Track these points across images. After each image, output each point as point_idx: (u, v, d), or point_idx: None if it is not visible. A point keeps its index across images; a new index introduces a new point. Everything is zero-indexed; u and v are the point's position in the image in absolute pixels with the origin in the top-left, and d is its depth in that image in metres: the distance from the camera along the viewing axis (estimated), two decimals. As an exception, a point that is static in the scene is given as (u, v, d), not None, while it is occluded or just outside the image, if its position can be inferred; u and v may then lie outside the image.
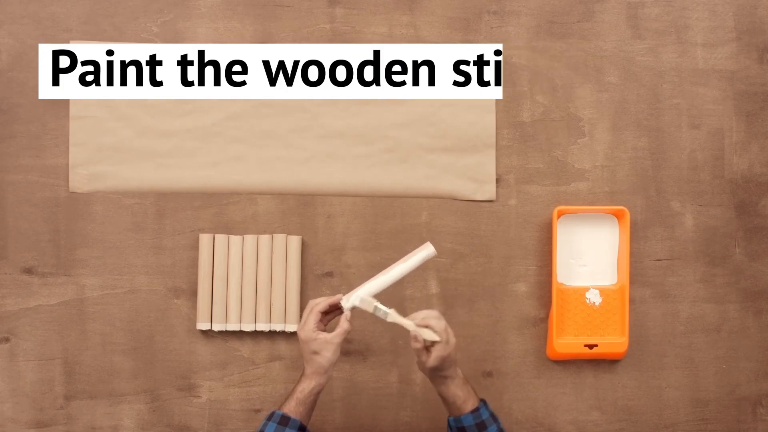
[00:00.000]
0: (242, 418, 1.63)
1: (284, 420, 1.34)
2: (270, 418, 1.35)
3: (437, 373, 1.36)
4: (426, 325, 1.35)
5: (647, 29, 1.68)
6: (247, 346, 1.64)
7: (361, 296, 1.38)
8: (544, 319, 1.66)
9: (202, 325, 1.61)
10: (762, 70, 1.70)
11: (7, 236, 1.61)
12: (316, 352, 1.35)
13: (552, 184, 1.67)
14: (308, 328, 1.36)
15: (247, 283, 1.62)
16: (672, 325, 1.68)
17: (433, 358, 1.34)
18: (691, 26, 1.69)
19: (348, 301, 1.39)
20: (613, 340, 1.64)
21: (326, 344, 1.35)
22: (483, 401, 1.39)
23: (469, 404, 1.37)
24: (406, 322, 1.36)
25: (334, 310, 1.40)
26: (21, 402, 1.61)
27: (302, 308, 1.62)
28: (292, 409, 1.35)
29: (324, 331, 1.38)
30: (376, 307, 1.38)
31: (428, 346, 1.35)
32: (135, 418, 1.62)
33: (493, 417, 1.39)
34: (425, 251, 1.42)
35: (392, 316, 1.37)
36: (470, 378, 1.61)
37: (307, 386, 1.36)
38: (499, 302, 1.65)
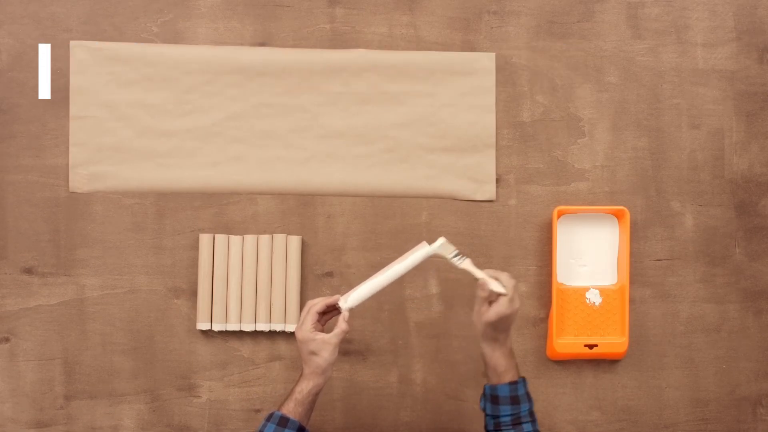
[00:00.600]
0: (242, 418, 1.63)
1: (283, 421, 1.34)
2: (269, 419, 1.35)
3: (490, 333, 1.35)
4: (496, 278, 1.35)
5: (647, 29, 1.68)
6: (247, 346, 1.64)
7: (441, 242, 1.40)
8: (544, 319, 1.66)
9: (202, 325, 1.61)
10: (762, 70, 1.70)
11: (7, 236, 1.61)
12: (314, 353, 1.35)
13: (552, 184, 1.67)
14: (306, 328, 1.36)
15: (247, 283, 1.62)
16: (672, 325, 1.68)
17: (492, 312, 1.33)
18: (691, 26, 1.69)
19: (346, 301, 1.39)
20: (613, 340, 1.64)
21: (324, 344, 1.35)
22: (523, 378, 1.38)
23: (509, 375, 1.36)
24: (478, 272, 1.37)
25: (332, 310, 1.40)
26: (21, 402, 1.61)
27: (302, 308, 1.62)
28: (290, 409, 1.35)
29: (322, 331, 1.38)
30: (454, 254, 1.40)
31: (492, 300, 1.34)
32: (135, 418, 1.62)
33: (528, 396, 1.37)
34: (424, 249, 1.42)
35: (467, 264, 1.39)
36: (471, 378, 1.62)
37: (305, 387, 1.36)
38: (499, 302, 1.65)
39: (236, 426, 1.63)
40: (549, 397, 1.66)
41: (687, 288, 1.68)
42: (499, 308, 1.33)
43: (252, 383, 1.64)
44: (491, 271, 1.37)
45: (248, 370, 1.64)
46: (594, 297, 1.65)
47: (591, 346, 1.63)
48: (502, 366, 1.36)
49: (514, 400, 1.35)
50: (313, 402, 1.36)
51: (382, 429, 1.65)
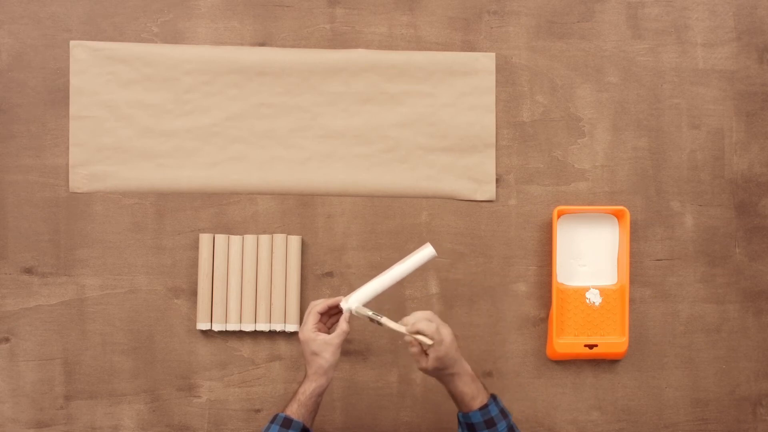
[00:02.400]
0: (242, 418, 1.63)
1: (287, 422, 1.34)
2: (273, 420, 1.35)
3: (441, 372, 1.36)
4: (416, 330, 1.34)
5: (647, 29, 1.68)
6: (247, 346, 1.64)
7: (354, 307, 1.39)
8: (544, 319, 1.66)
9: (202, 325, 1.61)
10: (762, 70, 1.70)
11: (7, 236, 1.61)
12: (315, 353, 1.35)
13: (552, 184, 1.67)
14: (307, 328, 1.36)
15: (247, 283, 1.62)
16: (672, 325, 1.68)
17: (431, 360, 1.34)
18: (691, 26, 1.69)
19: (347, 302, 1.39)
20: (613, 340, 1.64)
21: (326, 345, 1.35)
22: (493, 397, 1.39)
23: (478, 400, 1.36)
24: (400, 328, 1.36)
25: (336, 312, 1.40)
26: (21, 402, 1.61)
27: (302, 308, 1.62)
28: (294, 411, 1.35)
29: (325, 332, 1.38)
30: (369, 317, 1.39)
31: (425, 349, 1.35)
32: (135, 418, 1.62)
33: (503, 413, 1.38)
34: (425, 252, 1.43)
35: (386, 322, 1.37)
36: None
37: (308, 388, 1.36)
38: (499, 302, 1.65)
39: (236, 426, 1.63)
40: (549, 397, 1.66)
41: (687, 288, 1.68)
42: (434, 354, 1.34)
43: (252, 383, 1.64)
44: (411, 320, 1.35)
45: (248, 370, 1.64)
46: (594, 297, 1.65)
47: (591, 346, 1.63)
48: (468, 395, 1.36)
49: (489, 424, 1.36)
50: (316, 403, 1.37)
51: (382, 429, 1.65)
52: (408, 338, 1.35)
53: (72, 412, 1.62)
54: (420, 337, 1.33)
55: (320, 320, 1.39)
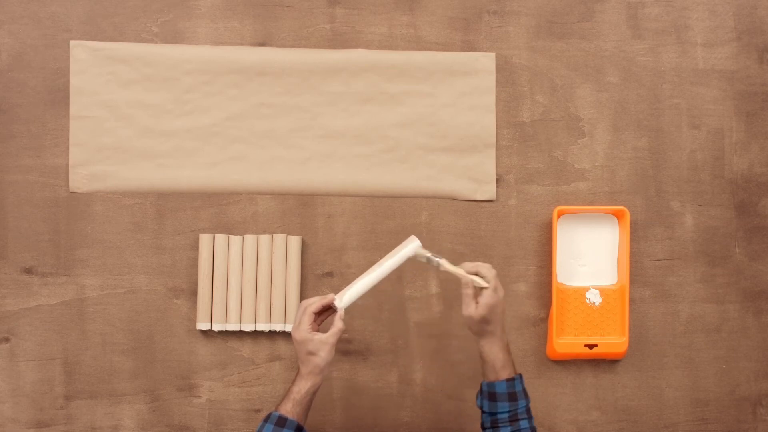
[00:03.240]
0: (242, 418, 1.63)
1: (281, 421, 1.34)
2: (267, 419, 1.35)
3: (484, 326, 1.37)
4: (476, 272, 1.37)
5: (647, 29, 1.68)
6: (247, 346, 1.64)
7: (415, 249, 1.41)
8: (544, 319, 1.66)
9: (202, 325, 1.61)
10: (762, 70, 1.70)
11: (7, 236, 1.61)
12: (311, 353, 1.35)
13: (552, 184, 1.67)
14: (303, 328, 1.36)
15: (247, 283, 1.62)
16: (672, 325, 1.68)
17: (481, 306, 1.36)
18: (691, 26, 1.69)
19: (341, 300, 1.38)
20: (613, 340, 1.64)
21: (322, 344, 1.35)
22: (520, 375, 1.39)
23: (506, 372, 1.37)
24: (458, 270, 1.38)
25: (327, 310, 1.40)
26: (21, 402, 1.61)
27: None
28: (288, 410, 1.35)
29: (318, 331, 1.38)
30: (428, 258, 1.41)
31: (477, 296, 1.36)
32: (135, 418, 1.62)
33: (525, 393, 1.39)
34: (411, 245, 1.41)
35: (444, 264, 1.40)
36: (471, 378, 1.61)
37: (303, 387, 1.36)
38: (499, 302, 1.65)
39: (236, 426, 1.63)
40: (549, 397, 1.66)
41: (687, 288, 1.68)
42: (487, 300, 1.36)
43: (252, 383, 1.64)
44: (470, 265, 1.39)
45: (248, 370, 1.64)
46: (594, 297, 1.65)
47: (591, 346, 1.63)
48: (500, 361, 1.37)
49: (512, 397, 1.36)
50: (310, 401, 1.37)
51: (382, 429, 1.65)
52: (465, 279, 1.37)
53: (72, 412, 1.62)
54: (477, 278, 1.36)
55: (314, 320, 1.38)
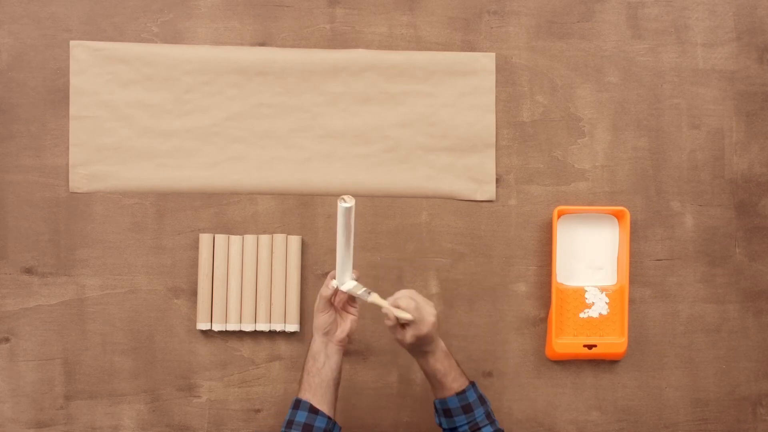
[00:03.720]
0: (242, 418, 1.63)
1: (296, 404, 1.36)
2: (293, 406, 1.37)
3: (416, 350, 1.37)
4: (396, 305, 1.34)
5: (647, 29, 1.68)
6: (247, 346, 1.64)
7: (347, 287, 1.38)
8: (544, 319, 1.66)
9: (202, 325, 1.61)
10: (762, 70, 1.70)
11: (7, 236, 1.61)
12: (315, 311, 1.40)
13: (552, 184, 1.67)
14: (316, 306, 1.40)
15: (247, 283, 1.62)
16: (672, 325, 1.68)
17: (409, 336, 1.34)
18: (691, 26, 1.69)
19: (343, 284, 1.38)
20: (613, 341, 1.64)
21: (319, 298, 1.39)
22: (472, 384, 1.39)
23: (456, 383, 1.37)
24: (382, 302, 1.36)
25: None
26: (21, 402, 1.61)
27: (302, 308, 1.62)
28: (305, 386, 1.37)
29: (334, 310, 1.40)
30: (359, 296, 1.38)
31: (403, 324, 1.34)
32: (135, 418, 1.62)
33: (482, 399, 1.39)
34: (342, 208, 1.36)
35: (372, 297, 1.37)
36: (471, 377, 1.61)
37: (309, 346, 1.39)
38: (499, 302, 1.65)
39: (236, 426, 1.63)
40: (549, 397, 1.66)
41: (687, 288, 1.68)
42: (413, 332, 1.34)
43: (252, 383, 1.64)
44: (395, 296, 1.35)
45: (248, 370, 1.64)
46: (594, 297, 1.65)
47: (590, 347, 1.63)
48: (440, 371, 1.37)
49: (467, 409, 1.36)
50: (316, 367, 1.37)
51: (382, 429, 1.65)
52: (385, 310, 1.35)
53: (72, 412, 1.62)
54: (400, 312, 1.33)
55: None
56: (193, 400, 1.63)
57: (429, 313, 1.34)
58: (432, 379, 1.39)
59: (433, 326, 1.34)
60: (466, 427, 1.37)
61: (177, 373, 1.63)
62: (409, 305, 1.33)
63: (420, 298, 1.35)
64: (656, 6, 1.68)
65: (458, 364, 1.40)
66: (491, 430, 1.37)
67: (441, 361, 1.37)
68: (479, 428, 1.37)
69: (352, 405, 1.64)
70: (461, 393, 1.37)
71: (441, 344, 1.38)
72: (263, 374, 1.64)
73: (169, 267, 1.63)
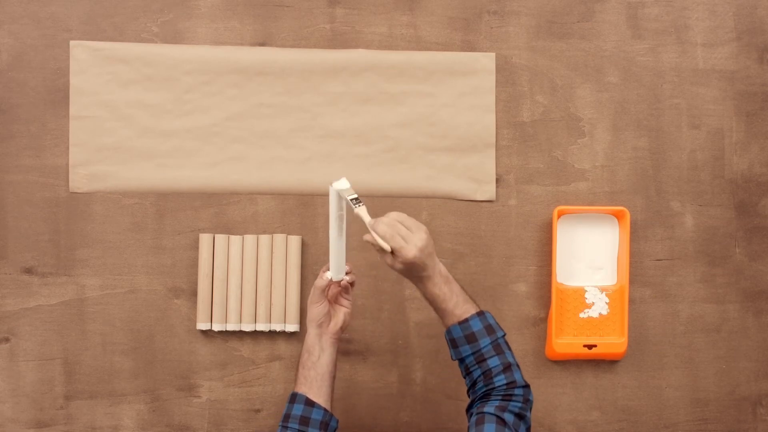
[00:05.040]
0: (242, 418, 1.63)
1: (292, 398, 1.36)
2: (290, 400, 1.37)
3: (411, 275, 1.31)
4: (374, 230, 1.28)
5: (647, 29, 1.68)
6: (247, 346, 1.64)
7: (337, 189, 1.32)
8: (544, 319, 1.66)
9: (202, 325, 1.61)
10: (762, 70, 1.70)
11: (7, 236, 1.61)
12: (308, 303, 1.39)
13: (552, 184, 1.67)
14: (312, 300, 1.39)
15: (247, 283, 1.62)
16: (672, 325, 1.68)
17: (398, 264, 1.28)
18: (691, 26, 1.69)
19: (335, 274, 1.37)
20: (613, 341, 1.64)
21: (313, 289, 1.38)
22: (479, 313, 1.32)
23: (459, 310, 1.31)
24: (366, 221, 1.30)
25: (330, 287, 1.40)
26: (21, 402, 1.62)
27: (302, 308, 1.62)
28: (301, 380, 1.36)
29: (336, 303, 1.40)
30: (350, 198, 1.32)
31: (393, 250, 1.28)
32: (135, 418, 1.62)
33: (489, 329, 1.31)
34: (330, 191, 1.34)
35: (359, 210, 1.31)
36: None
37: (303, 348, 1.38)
38: (499, 302, 1.65)
39: (236, 426, 1.63)
40: (549, 397, 1.66)
41: (687, 288, 1.68)
42: (400, 257, 1.27)
43: (252, 383, 1.64)
44: (374, 221, 1.29)
45: (248, 370, 1.64)
46: (594, 297, 1.65)
47: (590, 347, 1.63)
48: (439, 296, 1.30)
49: (470, 338, 1.30)
50: (311, 362, 1.36)
51: (382, 429, 1.65)
52: (365, 237, 1.30)
53: (72, 412, 1.62)
54: (378, 240, 1.27)
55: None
56: (193, 400, 1.63)
57: (418, 239, 1.27)
58: (433, 305, 1.33)
59: (420, 252, 1.27)
60: (471, 358, 1.30)
61: (177, 373, 1.63)
62: (386, 233, 1.27)
63: (409, 222, 1.29)
64: (656, 6, 1.68)
65: (464, 291, 1.33)
66: (498, 362, 1.29)
67: (439, 286, 1.30)
68: (484, 359, 1.29)
69: (352, 405, 1.64)
70: (464, 321, 1.30)
71: (439, 269, 1.31)
72: (263, 374, 1.64)
73: (169, 267, 1.63)
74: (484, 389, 1.29)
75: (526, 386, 1.30)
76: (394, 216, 1.30)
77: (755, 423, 1.69)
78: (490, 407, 1.26)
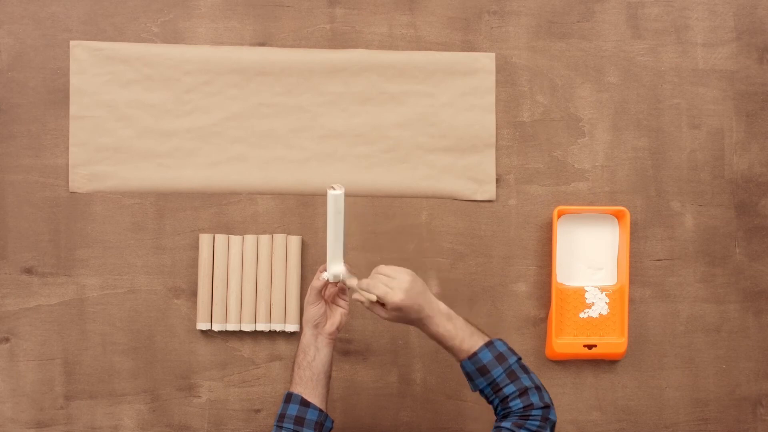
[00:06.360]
0: (242, 418, 1.63)
1: (287, 397, 1.36)
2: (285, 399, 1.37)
3: (408, 321, 1.32)
4: (360, 286, 1.32)
5: (647, 29, 1.68)
6: (247, 346, 1.64)
7: (334, 273, 1.36)
8: (544, 319, 1.66)
9: (202, 325, 1.61)
10: (762, 70, 1.70)
11: (7, 236, 1.61)
12: (305, 304, 1.39)
13: (552, 184, 1.67)
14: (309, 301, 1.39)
15: (247, 283, 1.62)
16: (672, 325, 1.68)
17: (386, 313, 1.31)
18: (691, 26, 1.69)
19: (332, 275, 1.38)
20: (613, 341, 1.64)
21: (309, 289, 1.38)
22: (488, 343, 1.32)
23: (466, 345, 1.31)
24: (353, 286, 1.34)
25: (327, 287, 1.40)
26: (21, 402, 1.61)
27: (302, 308, 1.62)
28: (296, 381, 1.36)
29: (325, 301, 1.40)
30: (343, 277, 1.36)
31: (380, 301, 1.31)
32: (135, 418, 1.62)
33: (500, 358, 1.30)
34: (329, 197, 1.36)
35: (350, 281, 1.35)
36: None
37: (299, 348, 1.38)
38: (499, 302, 1.65)
39: (236, 426, 1.63)
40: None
41: (687, 288, 1.68)
42: (389, 305, 1.30)
43: (252, 383, 1.64)
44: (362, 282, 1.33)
45: (248, 370, 1.64)
46: (594, 297, 1.65)
47: (590, 347, 1.63)
48: (444, 336, 1.31)
49: (483, 371, 1.30)
50: (306, 362, 1.36)
51: (382, 429, 1.65)
52: (355, 296, 1.33)
53: (72, 412, 1.62)
54: (364, 294, 1.31)
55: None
56: (193, 400, 1.63)
57: (401, 281, 1.30)
58: (441, 345, 1.33)
59: (406, 294, 1.29)
60: (488, 389, 1.31)
61: (177, 373, 1.63)
62: (369, 285, 1.31)
63: (389, 270, 1.31)
64: (656, 6, 1.68)
65: (468, 323, 1.34)
66: (513, 389, 1.29)
67: (442, 326, 1.31)
68: (500, 388, 1.29)
69: (352, 405, 1.64)
70: (473, 356, 1.30)
71: (439, 308, 1.32)
72: (263, 374, 1.64)
73: (169, 267, 1.63)
74: (503, 412, 1.31)
75: (545, 407, 1.30)
76: (375, 269, 1.34)
77: (755, 423, 1.69)
78: (507, 422, 1.28)
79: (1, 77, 1.62)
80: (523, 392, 1.29)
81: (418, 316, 1.31)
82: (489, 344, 1.32)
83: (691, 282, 1.68)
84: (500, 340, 1.34)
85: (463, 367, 1.33)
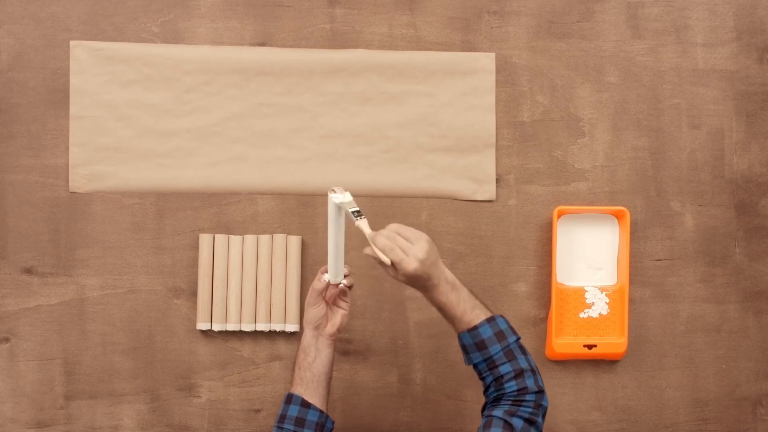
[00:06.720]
0: (242, 418, 1.63)
1: (288, 398, 1.36)
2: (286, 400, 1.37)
3: (416, 285, 1.29)
4: (374, 242, 1.27)
5: (647, 29, 1.68)
6: (247, 346, 1.64)
7: (338, 202, 1.31)
8: (544, 319, 1.66)
9: (202, 325, 1.61)
10: (762, 70, 1.70)
11: (7, 236, 1.61)
12: (306, 305, 1.39)
13: (552, 184, 1.67)
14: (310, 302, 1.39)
15: (247, 283, 1.62)
16: (672, 325, 1.68)
17: (401, 276, 1.27)
18: (691, 26, 1.69)
19: (333, 276, 1.37)
20: (613, 341, 1.64)
21: (311, 291, 1.38)
22: (489, 319, 1.30)
23: (467, 317, 1.29)
24: (366, 233, 1.29)
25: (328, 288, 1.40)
26: (21, 402, 1.62)
27: (302, 308, 1.62)
28: (297, 381, 1.36)
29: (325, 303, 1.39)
30: (351, 211, 1.31)
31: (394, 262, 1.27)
32: (135, 418, 1.62)
33: (500, 335, 1.29)
34: (330, 202, 1.33)
35: (360, 222, 1.30)
36: (471, 378, 1.61)
37: (299, 348, 1.38)
38: (499, 302, 1.65)
39: (236, 426, 1.63)
40: (549, 397, 1.65)
41: (687, 288, 1.68)
42: (403, 270, 1.25)
43: (252, 383, 1.64)
44: (374, 234, 1.28)
45: (248, 370, 1.64)
46: (594, 297, 1.65)
47: (590, 347, 1.63)
48: (447, 305, 1.29)
49: (480, 346, 1.28)
50: (312, 366, 1.36)
51: (382, 429, 1.65)
52: (367, 251, 1.28)
53: (72, 412, 1.62)
54: (378, 253, 1.27)
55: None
56: (193, 400, 1.63)
57: (418, 249, 1.25)
58: (441, 313, 1.31)
59: (421, 264, 1.25)
60: (483, 365, 1.29)
61: (177, 373, 1.63)
62: (385, 246, 1.26)
63: (409, 233, 1.27)
64: (656, 6, 1.68)
65: (473, 295, 1.32)
66: (509, 368, 1.27)
67: (446, 295, 1.29)
68: (496, 366, 1.28)
69: (352, 405, 1.64)
70: (473, 329, 1.29)
71: (445, 276, 1.29)
72: (263, 374, 1.64)
73: (169, 267, 1.63)
74: (496, 394, 1.29)
75: (539, 392, 1.29)
76: (393, 228, 1.29)
77: (755, 423, 1.69)
78: (499, 411, 1.26)
79: (1, 77, 1.62)
80: (519, 374, 1.28)
81: (425, 283, 1.28)
82: (491, 320, 1.30)
83: (691, 282, 1.68)
84: (502, 317, 1.32)
85: (460, 339, 1.31)
